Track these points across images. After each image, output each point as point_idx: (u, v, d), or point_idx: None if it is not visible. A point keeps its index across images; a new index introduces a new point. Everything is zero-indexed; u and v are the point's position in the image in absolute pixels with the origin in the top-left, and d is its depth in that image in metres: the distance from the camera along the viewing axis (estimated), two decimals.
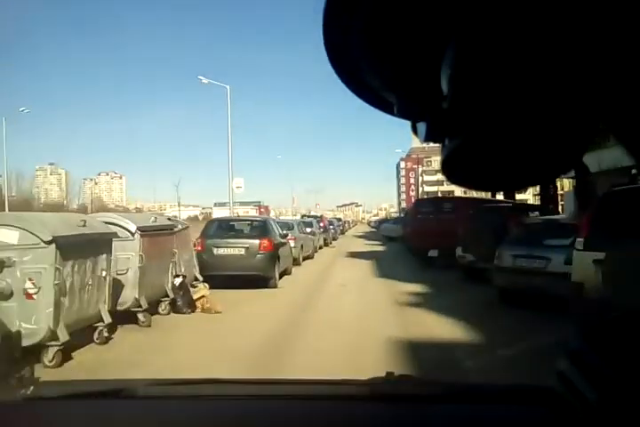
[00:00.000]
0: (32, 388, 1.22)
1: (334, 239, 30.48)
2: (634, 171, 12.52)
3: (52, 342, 4.75)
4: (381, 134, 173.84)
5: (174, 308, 7.57)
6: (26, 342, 4.57)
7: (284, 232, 12.82)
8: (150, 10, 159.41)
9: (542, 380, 1.02)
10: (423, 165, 73.92)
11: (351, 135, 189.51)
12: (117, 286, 6.37)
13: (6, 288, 4.66)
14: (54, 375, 4.43)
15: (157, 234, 7.18)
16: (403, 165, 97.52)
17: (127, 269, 6.52)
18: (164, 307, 7.46)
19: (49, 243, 4.73)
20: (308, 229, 19.41)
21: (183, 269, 8.17)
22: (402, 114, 0.45)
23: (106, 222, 6.29)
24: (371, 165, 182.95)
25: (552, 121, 0.39)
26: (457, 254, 11.27)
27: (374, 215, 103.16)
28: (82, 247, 5.23)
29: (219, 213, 43.06)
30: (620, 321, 0.76)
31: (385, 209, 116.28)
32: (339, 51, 0.42)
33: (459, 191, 19.46)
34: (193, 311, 7.65)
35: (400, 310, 7.85)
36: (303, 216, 32.86)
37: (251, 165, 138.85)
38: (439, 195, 41.64)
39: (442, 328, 6.41)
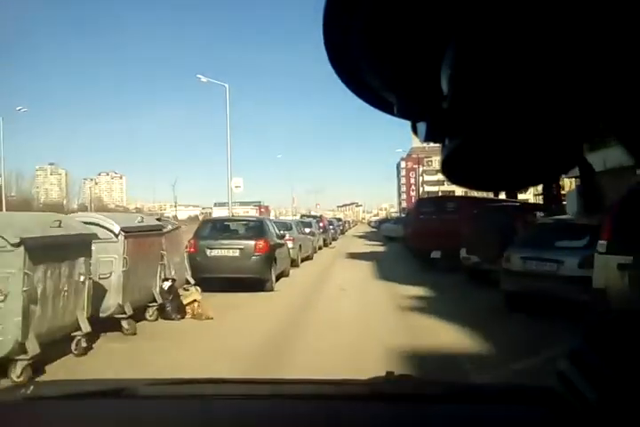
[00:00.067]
0: (32, 388, 1.22)
1: (334, 240, 30.18)
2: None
3: (21, 356, 4.30)
4: (381, 134, 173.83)
5: (163, 314, 7.13)
6: None
7: (282, 233, 12.42)
8: (150, 10, 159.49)
9: (542, 380, 1.02)
10: (424, 165, 73.53)
11: (351, 135, 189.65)
12: (99, 292, 5.92)
13: None
14: None
15: (144, 235, 6.72)
16: (403, 164, 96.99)
17: (110, 273, 6.07)
18: (151, 313, 7.01)
19: (16, 245, 4.28)
20: (307, 230, 19.05)
21: (173, 273, 7.73)
22: (402, 114, 0.46)
23: (86, 223, 5.84)
24: (371, 165, 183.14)
25: (551, 121, 0.39)
26: (461, 256, 10.85)
27: (374, 215, 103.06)
28: (56, 250, 4.78)
29: (219, 213, 42.77)
30: (620, 321, 0.77)
31: (385, 209, 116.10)
32: (339, 51, 0.42)
33: (459, 191, 18.98)
34: (183, 317, 7.21)
35: (403, 316, 7.40)
36: (302, 216, 32.43)
37: (251, 166, 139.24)
38: (440, 195, 41.22)
39: (448, 335, 5.98)
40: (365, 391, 1.19)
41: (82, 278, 5.22)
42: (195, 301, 7.60)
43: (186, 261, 8.74)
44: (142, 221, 6.86)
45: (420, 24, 0.38)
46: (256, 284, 9.74)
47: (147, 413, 1.08)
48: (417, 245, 14.77)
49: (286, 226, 15.41)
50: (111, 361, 5.02)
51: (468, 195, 17.66)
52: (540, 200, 23.52)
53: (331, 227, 30.15)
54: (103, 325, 6.10)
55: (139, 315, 6.83)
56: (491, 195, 17.28)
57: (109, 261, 6.08)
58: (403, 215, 39.09)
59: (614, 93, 0.37)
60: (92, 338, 5.53)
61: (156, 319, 7.05)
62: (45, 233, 4.68)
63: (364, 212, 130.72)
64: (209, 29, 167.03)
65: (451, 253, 11.58)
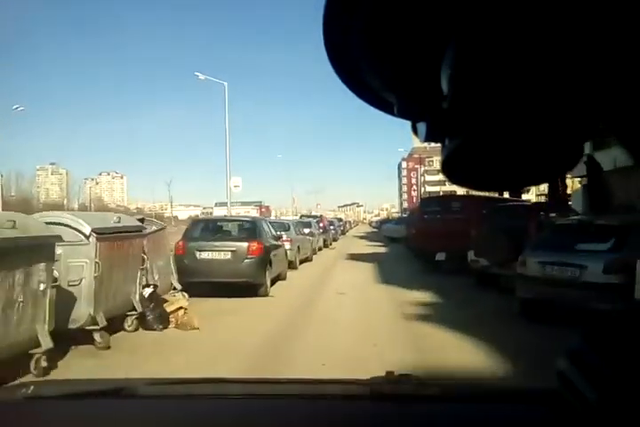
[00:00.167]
0: (32, 388, 1.22)
1: (334, 240, 29.58)
2: None
3: None
4: (382, 134, 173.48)
5: (144, 323, 6.47)
6: None
7: (278, 233, 11.76)
8: (150, 10, 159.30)
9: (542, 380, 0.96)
10: (425, 165, 72.93)
11: (351, 135, 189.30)
12: (68, 300, 5.27)
13: None
14: None
15: (121, 237, 6.05)
16: (404, 164, 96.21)
17: (80, 280, 5.40)
18: (130, 322, 6.35)
19: None
20: (306, 230, 18.40)
21: (156, 278, 7.08)
22: (402, 114, 0.45)
23: (53, 223, 5.19)
24: (372, 165, 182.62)
25: (552, 121, 0.39)
26: (469, 259, 10.18)
27: (376, 215, 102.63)
28: (7, 255, 4.12)
29: (219, 213, 42.18)
30: (620, 321, 0.78)
31: (386, 209, 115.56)
32: (339, 51, 0.42)
33: (461, 191, 18.27)
34: (165, 327, 6.54)
35: (408, 326, 6.72)
36: (302, 216, 31.81)
37: (251, 165, 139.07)
38: (442, 194, 40.55)
39: (459, 349, 5.33)
40: (365, 391, 1.18)
41: (42, 287, 4.55)
42: (180, 308, 6.95)
43: (172, 265, 8.05)
44: (119, 222, 6.18)
45: (420, 24, 0.39)
46: (250, 288, 9.08)
47: (146, 413, 1.08)
48: (420, 247, 14.04)
49: (284, 226, 14.76)
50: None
51: (472, 194, 16.99)
52: (542, 200, 22.86)
53: (331, 227, 29.56)
54: (74, 337, 5.47)
55: (117, 325, 6.19)
56: (496, 194, 16.69)
57: (80, 265, 5.41)
58: (404, 215, 38.50)
59: (614, 93, 0.37)
60: (56, 355, 4.88)
61: (136, 330, 6.39)
62: None
63: (365, 212, 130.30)
64: (209, 29, 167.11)
65: (456, 254, 11.02)
